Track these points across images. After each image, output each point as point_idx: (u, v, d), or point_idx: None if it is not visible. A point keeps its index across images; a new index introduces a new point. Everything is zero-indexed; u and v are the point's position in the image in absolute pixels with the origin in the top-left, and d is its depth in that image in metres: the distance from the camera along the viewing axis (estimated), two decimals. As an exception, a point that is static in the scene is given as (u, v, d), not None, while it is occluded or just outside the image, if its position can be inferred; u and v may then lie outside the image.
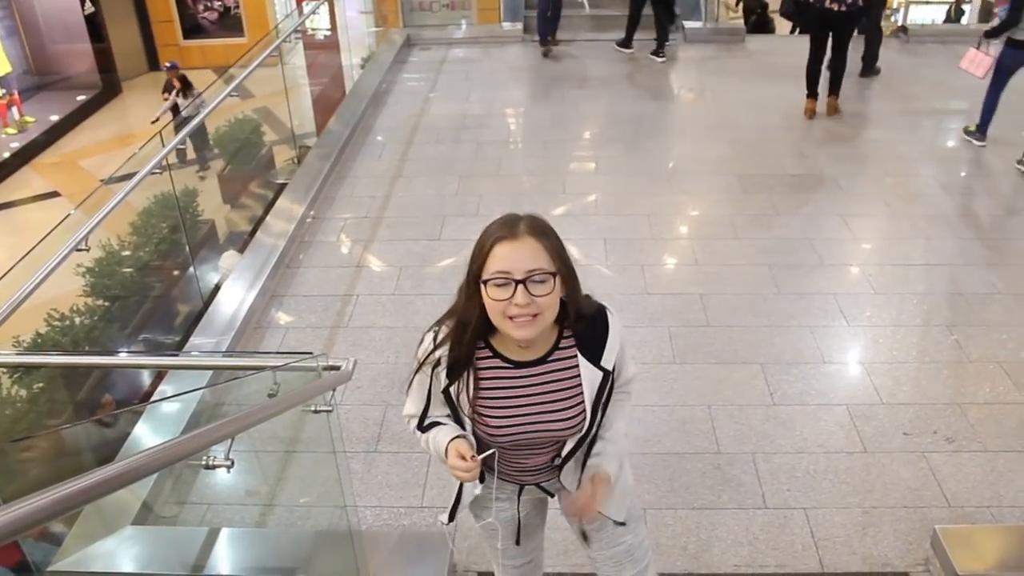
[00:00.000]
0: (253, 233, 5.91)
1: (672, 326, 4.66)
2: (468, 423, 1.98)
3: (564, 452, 2.05)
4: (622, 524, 2.22)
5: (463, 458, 1.89)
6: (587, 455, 2.09)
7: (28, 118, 12.11)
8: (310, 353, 2.93)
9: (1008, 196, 6.15)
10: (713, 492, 3.55)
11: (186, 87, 9.83)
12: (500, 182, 6.52)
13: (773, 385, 4.19)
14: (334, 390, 2.89)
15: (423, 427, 2.07)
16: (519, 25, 10.85)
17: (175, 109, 10.16)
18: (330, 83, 9.31)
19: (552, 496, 2.25)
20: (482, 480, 2.12)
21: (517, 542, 2.33)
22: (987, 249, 5.41)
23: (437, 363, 1.95)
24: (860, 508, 3.44)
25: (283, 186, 6.64)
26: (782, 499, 3.50)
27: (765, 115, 7.99)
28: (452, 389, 1.95)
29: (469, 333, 1.90)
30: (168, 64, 10.64)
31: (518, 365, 1.95)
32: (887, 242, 5.61)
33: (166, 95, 10.51)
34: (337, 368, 2.86)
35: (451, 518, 2.23)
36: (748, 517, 3.41)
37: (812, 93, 7.86)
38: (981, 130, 7.25)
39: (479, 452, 1.96)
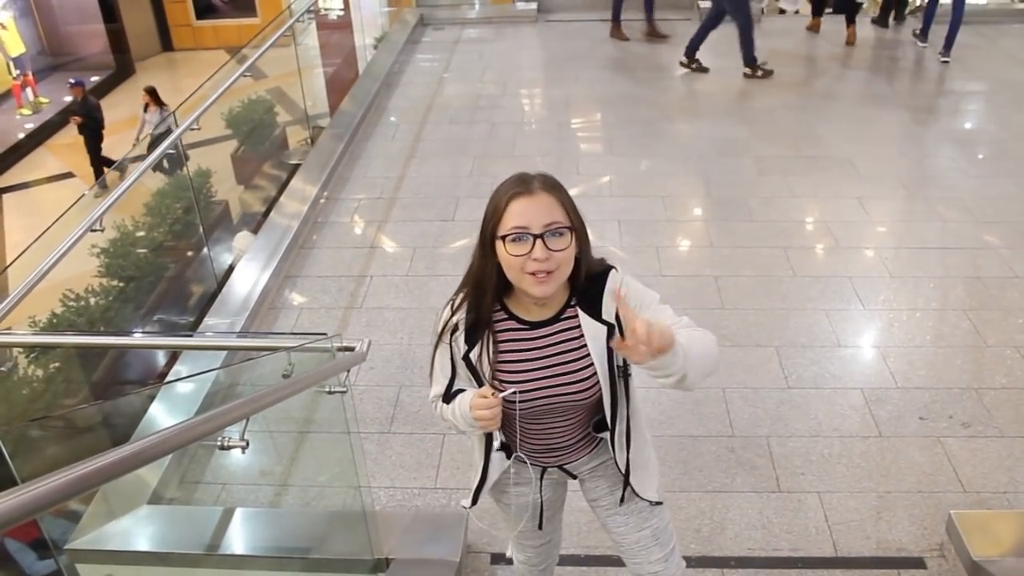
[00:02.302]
0: (267, 214, 5.91)
1: (687, 308, 4.60)
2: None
3: (607, 418, 2.02)
4: (659, 504, 2.21)
5: (484, 398, 1.88)
6: (628, 434, 2.08)
7: (42, 99, 12.16)
8: (324, 334, 2.93)
9: (1027, 179, 6.09)
10: (727, 475, 3.54)
11: (157, 102, 9.28)
12: (514, 163, 6.50)
13: (788, 368, 4.17)
14: (348, 371, 2.89)
15: (449, 399, 2.05)
16: (533, 5, 10.79)
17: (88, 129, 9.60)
18: (343, 63, 9.28)
19: (575, 478, 2.24)
20: (508, 456, 2.11)
21: (540, 526, 2.33)
22: (1005, 233, 5.35)
23: (455, 329, 1.95)
24: (875, 493, 3.43)
25: (297, 167, 6.63)
26: (796, 483, 3.49)
27: (781, 96, 7.92)
28: (472, 354, 1.94)
29: (488, 295, 1.90)
30: (72, 81, 9.98)
31: (533, 326, 1.95)
32: (904, 225, 5.56)
33: (76, 118, 9.90)
34: (351, 349, 2.86)
35: (474, 502, 2.23)
36: (762, 500, 3.41)
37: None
38: (923, 33, 8.90)
39: (503, 426, 1.98)
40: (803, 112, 7.50)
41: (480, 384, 1.98)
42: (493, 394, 1.88)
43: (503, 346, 1.95)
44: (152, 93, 9.25)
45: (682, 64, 8.62)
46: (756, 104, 7.76)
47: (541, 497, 2.25)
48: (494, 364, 1.94)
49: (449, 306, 1.99)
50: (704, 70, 8.57)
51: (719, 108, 7.72)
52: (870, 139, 6.88)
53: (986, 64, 8.65)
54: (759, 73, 8.36)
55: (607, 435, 2.08)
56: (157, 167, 5.03)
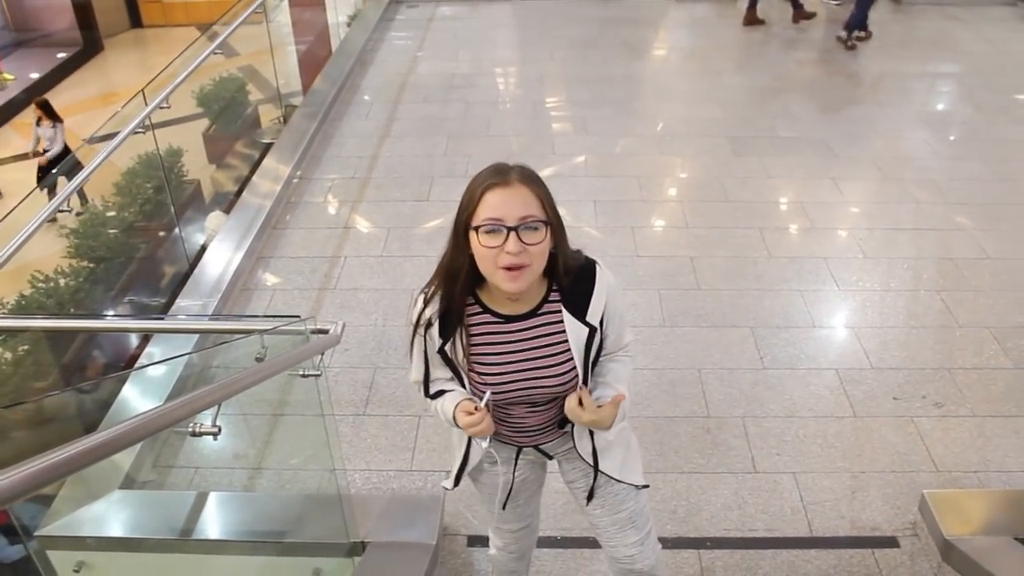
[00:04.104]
0: (239, 194, 5.84)
1: (662, 289, 4.64)
2: (467, 381, 1.96)
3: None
4: (645, 487, 2.21)
5: (470, 414, 1.90)
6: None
7: (7, 75, 11.90)
8: (298, 316, 2.89)
9: (1000, 159, 6.12)
10: (703, 456, 3.56)
11: (50, 116, 8.44)
12: (489, 143, 6.45)
13: (763, 349, 4.18)
14: (322, 353, 2.86)
15: (431, 395, 2.05)
16: (508, -18, 10.69)
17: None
18: (316, 41, 9.16)
19: (550, 459, 2.23)
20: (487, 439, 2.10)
21: (504, 506, 2.33)
22: (977, 215, 5.39)
23: (429, 324, 1.93)
24: (849, 472, 3.45)
25: (269, 146, 6.55)
26: (771, 463, 3.51)
27: (756, 77, 7.93)
28: (447, 348, 1.93)
29: (459, 285, 1.87)
30: None
31: (508, 319, 1.93)
32: (878, 206, 5.59)
33: None
34: (325, 331, 2.83)
35: (456, 483, 2.22)
36: (738, 481, 3.42)
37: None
38: None
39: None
40: (779, 93, 7.50)
41: (456, 373, 1.96)
42: (476, 408, 1.88)
43: (477, 339, 1.93)
44: (44, 107, 8.55)
45: (839, 38, 8.69)
46: (731, 85, 7.75)
47: (513, 477, 2.24)
48: (467, 358, 1.93)
49: (422, 297, 1.96)
50: (861, 39, 8.72)
51: (694, 88, 7.71)
52: (845, 120, 6.90)
53: (961, 46, 8.69)
54: (851, 42, 8.64)
55: (570, 427, 2.08)
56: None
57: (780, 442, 3.62)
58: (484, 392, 1.93)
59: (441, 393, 2.03)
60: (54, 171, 7.50)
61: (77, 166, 4.55)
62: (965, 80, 7.89)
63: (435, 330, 1.92)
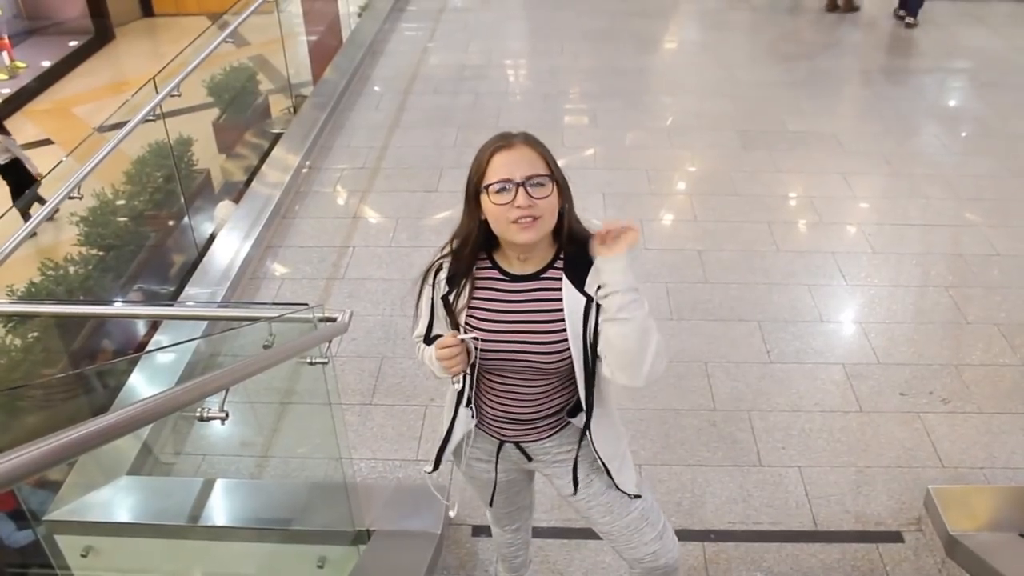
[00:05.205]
0: (248, 183, 5.85)
1: (670, 282, 4.64)
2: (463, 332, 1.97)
3: (582, 397, 2.01)
4: (638, 496, 2.19)
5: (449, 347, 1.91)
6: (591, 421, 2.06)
7: (19, 64, 11.92)
8: (306, 304, 2.91)
9: (1012, 155, 6.10)
10: (708, 449, 3.56)
11: None
12: (498, 135, 6.43)
13: (770, 343, 4.18)
14: (330, 342, 2.87)
15: (429, 341, 2.08)
16: (519, -26, 10.66)
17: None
18: (327, 31, 9.16)
19: (531, 460, 2.21)
20: (475, 416, 2.11)
21: (491, 503, 2.36)
22: (987, 211, 5.38)
23: (439, 268, 1.99)
24: (854, 467, 3.45)
25: (279, 136, 6.56)
26: (777, 457, 3.51)
27: (767, 71, 7.90)
28: (450, 296, 1.97)
29: (469, 247, 1.93)
30: None
31: (514, 279, 1.96)
32: (887, 201, 5.57)
33: None
34: (333, 320, 2.84)
35: (436, 466, 2.24)
36: (743, 474, 3.42)
37: None
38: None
39: (470, 378, 2.02)
40: (789, 87, 7.47)
41: (455, 325, 1.99)
42: (454, 335, 1.92)
43: (481, 293, 1.97)
44: None
45: (900, 17, 9.03)
46: (742, 78, 7.73)
47: (496, 475, 2.25)
48: (467, 309, 1.96)
49: (439, 250, 2.02)
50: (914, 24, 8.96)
51: (705, 82, 7.69)
52: (855, 115, 6.89)
53: (974, 41, 8.65)
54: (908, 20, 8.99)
55: (581, 419, 2.07)
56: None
57: (786, 436, 3.62)
58: (473, 335, 1.95)
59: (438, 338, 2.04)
60: (27, 192, 7.44)
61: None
62: (978, 76, 7.84)
63: (443, 278, 1.98)
